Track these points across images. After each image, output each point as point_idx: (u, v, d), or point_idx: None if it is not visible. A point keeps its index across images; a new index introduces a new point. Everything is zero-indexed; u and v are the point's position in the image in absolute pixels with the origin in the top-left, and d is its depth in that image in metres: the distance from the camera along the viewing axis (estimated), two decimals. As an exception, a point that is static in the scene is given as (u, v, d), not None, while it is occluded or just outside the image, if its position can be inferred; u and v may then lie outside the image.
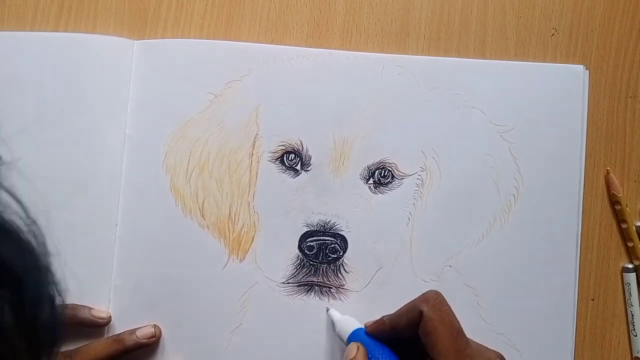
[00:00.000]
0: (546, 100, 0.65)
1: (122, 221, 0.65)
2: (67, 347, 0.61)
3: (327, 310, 0.63)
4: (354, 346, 0.58)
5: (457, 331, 0.53)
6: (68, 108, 0.66)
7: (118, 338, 0.62)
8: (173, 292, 0.64)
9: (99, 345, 0.61)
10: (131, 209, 0.65)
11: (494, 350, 0.54)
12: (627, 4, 0.67)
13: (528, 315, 0.63)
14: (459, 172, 0.63)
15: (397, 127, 0.64)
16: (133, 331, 0.62)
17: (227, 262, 0.64)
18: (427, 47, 0.67)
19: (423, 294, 0.55)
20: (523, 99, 0.65)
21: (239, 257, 0.64)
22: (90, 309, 0.63)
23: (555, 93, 0.65)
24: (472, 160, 0.63)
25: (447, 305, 0.54)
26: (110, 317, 0.64)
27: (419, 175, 0.64)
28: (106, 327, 0.64)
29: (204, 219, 0.64)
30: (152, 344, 0.63)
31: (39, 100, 0.66)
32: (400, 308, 0.57)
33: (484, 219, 0.64)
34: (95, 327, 0.63)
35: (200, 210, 0.64)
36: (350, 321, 0.60)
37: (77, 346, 0.61)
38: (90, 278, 0.65)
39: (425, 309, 0.54)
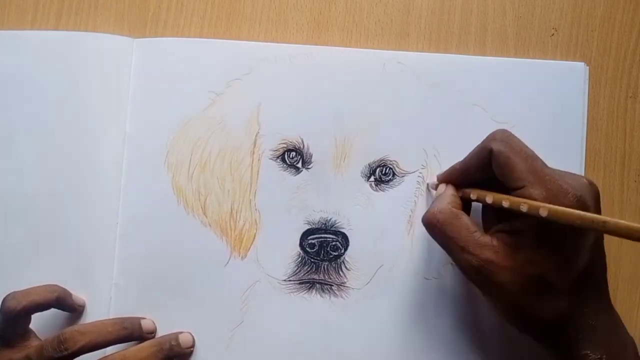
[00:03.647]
0: (547, 97, 0.65)
1: (123, 220, 0.65)
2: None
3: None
4: (441, 186, 0.60)
5: (530, 156, 0.53)
6: (68, 106, 0.66)
7: (125, 324, 0.62)
8: (175, 290, 0.64)
9: (104, 328, 0.60)
10: (132, 207, 0.65)
11: (582, 176, 0.53)
12: (627, 4, 0.68)
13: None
14: (460, 169, 0.64)
15: (398, 124, 0.65)
16: (138, 320, 0.63)
17: (229, 259, 0.64)
18: (427, 47, 0.67)
19: (491, 134, 0.56)
20: (524, 96, 0.65)
21: (241, 255, 0.64)
22: (70, 293, 0.63)
23: (556, 90, 0.65)
24: (473, 158, 0.63)
25: (516, 137, 0.55)
26: (84, 305, 0.64)
27: (420, 172, 0.64)
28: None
29: (206, 217, 0.64)
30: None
31: (39, 99, 0.66)
32: (470, 152, 0.58)
33: (485, 216, 0.63)
34: (73, 312, 0.64)
35: (202, 208, 0.64)
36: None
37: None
38: (92, 276, 0.65)
39: (494, 145, 0.54)
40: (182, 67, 0.66)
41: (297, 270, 0.63)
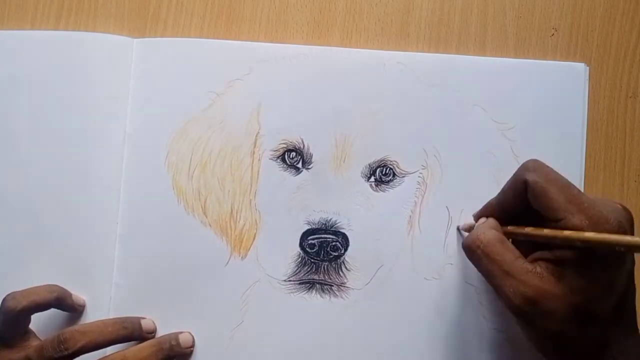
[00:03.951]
0: (547, 97, 0.65)
1: (123, 219, 0.65)
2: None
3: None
4: (482, 219, 0.59)
5: (566, 185, 0.52)
6: (68, 106, 0.66)
7: (125, 324, 0.62)
8: (175, 290, 0.64)
9: (105, 328, 0.60)
10: (132, 207, 0.65)
11: (614, 201, 0.52)
12: (627, 4, 0.68)
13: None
14: (460, 169, 0.63)
15: (399, 124, 0.64)
16: (138, 320, 0.63)
17: (229, 260, 0.64)
18: (427, 47, 0.67)
19: (522, 165, 0.55)
20: (524, 96, 0.65)
21: (241, 255, 0.64)
22: (70, 293, 0.63)
23: (556, 90, 0.65)
24: (473, 158, 0.63)
25: (549, 166, 0.54)
26: (84, 305, 0.64)
27: (420, 173, 0.64)
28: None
29: (206, 217, 0.64)
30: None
31: (39, 99, 0.66)
32: (503, 186, 0.57)
33: (485, 216, 0.64)
34: (73, 312, 0.64)
35: (202, 208, 0.64)
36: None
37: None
38: (92, 276, 0.65)
39: (528, 176, 0.53)
40: (182, 67, 0.66)
41: (297, 271, 0.63)
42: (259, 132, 0.65)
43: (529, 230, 0.54)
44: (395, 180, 0.64)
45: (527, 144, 0.63)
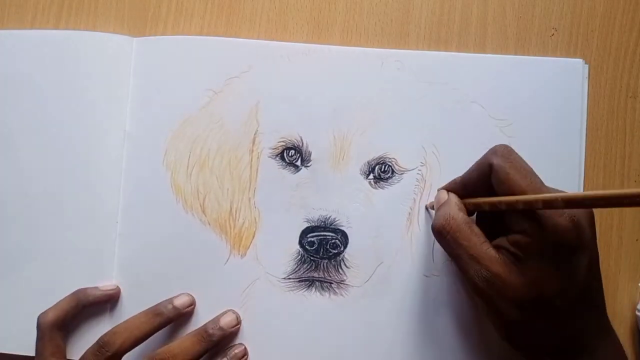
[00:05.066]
0: (545, 94, 0.64)
1: (123, 218, 0.65)
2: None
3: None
4: (443, 192, 0.59)
5: (529, 173, 0.53)
6: (68, 105, 0.66)
7: (157, 311, 0.62)
8: (174, 289, 0.64)
9: (138, 321, 0.61)
10: (132, 206, 0.65)
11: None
12: (627, 3, 0.68)
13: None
14: (459, 166, 0.63)
15: (397, 122, 0.65)
16: (170, 301, 0.63)
17: (229, 258, 0.64)
18: (427, 47, 0.67)
19: (491, 148, 0.55)
20: (522, 93, 0.64)
21: (240, 253, 0.64)
22: (96, 287, 0.64)
23: (554, 87, 0.65)
24: (472, 155, 0.62)
25: (516, 154, 0.54)
26: (118, 287, 0.65)
27: (419, 170, 0.64)
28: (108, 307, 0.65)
29: (205, 216, 0.64)
30: (190, 313, 0.64)
31: (38, 98, 0.66)
32: (471, 166, 0.57)
33: (484, 213, 0.63)
34: (108, 301, 0.64)
35: (201, 206, 0.64)
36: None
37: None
38: (91, 275, 0.65)
39: (494, 160, 0.54)
40: (180, 65, 0.66)
41: (297, 268, 0.63)
42: (257, 130, 0.65)
43: (483, 201, 0.55)
44: (394, 178, 0.64)
45: (525, 141, 0.62)
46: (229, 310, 0.64)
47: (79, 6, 0.69)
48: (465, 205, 0.57)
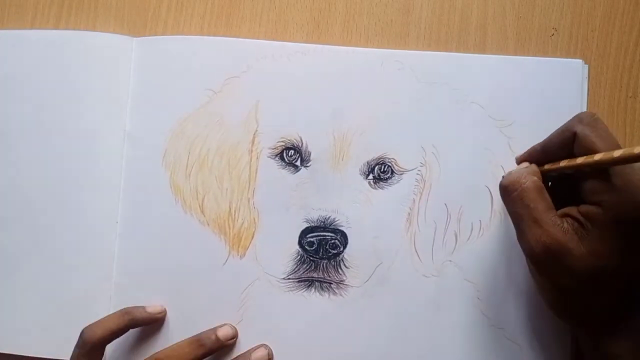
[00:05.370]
0: (545, 94, 0.64)
1: (123, 218, 0.65)
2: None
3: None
4: (525, 163, 0.58)
5: (615, 144, 0.51)
6: (68, 105, 0.66)
7: (201, 342, 0.62)
8: (174, 289, 0.64)
9: (182, 351, 0.61)
10: (131, 206, 0.65)
11: None
12: (627, 3, 0.67)
13: (528, 310, 0.62)
14: (458, 166, 0.63)
15: (397, 122, 0.64)
16: (214, 331, 0.63)
17: (228, 258, 0.64)
18: (427, 47, 0.67)
19: (576, 115, 0.54)
20: (522, 93, 0.64)
21: (240, 254, 0.64)
22: (144, 307, 0.63)
23: (554, 87, 0.64)
24: (471, 155, 0.63)
25: (603, 122, 0.52)
26: (165, 309, 0.64)
27: (418, 170, 0.64)
28: None
29: (204, 216, 0.64)
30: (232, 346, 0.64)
31: (39, 98, 0.66)
32: (551, 133, 0.56)
33: (484, 213, 0.63)
34: (153, 323, 0.64)
35: (200, 206, 0.64)
36: None
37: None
38: (92, 275, 0.65)
39: (579, 128, 0.52)
40: (180, 64, 0.66)
41: (296, 269, 0.63)
42: (257, 130, 0.65)
43: (564, 163, 0.53)
44: (393, 178, 0.64)
45: (525, 141, 0.62)
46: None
47: (79, 6, 0.69)
48: (543, 171, 0.56)
